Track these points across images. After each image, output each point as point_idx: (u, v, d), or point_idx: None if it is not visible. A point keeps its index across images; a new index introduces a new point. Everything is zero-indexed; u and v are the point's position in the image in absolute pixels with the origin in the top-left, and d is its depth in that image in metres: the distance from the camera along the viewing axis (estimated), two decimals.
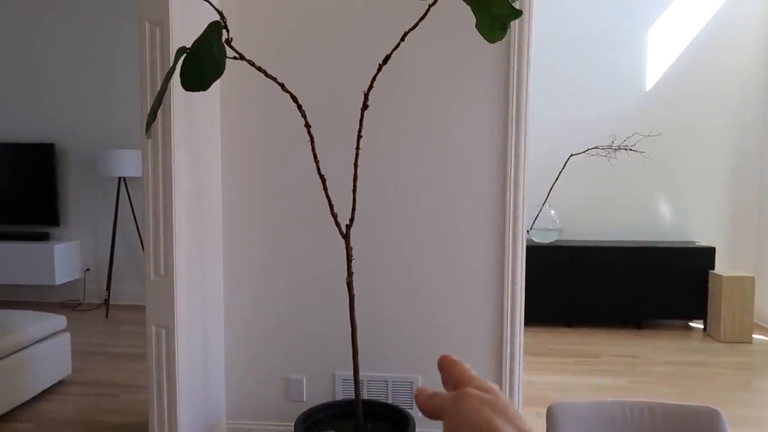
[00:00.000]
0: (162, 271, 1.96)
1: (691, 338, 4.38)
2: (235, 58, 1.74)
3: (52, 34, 5.11)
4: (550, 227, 4.66)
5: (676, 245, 4.60)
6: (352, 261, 1.96)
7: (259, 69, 1.77)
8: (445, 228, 2.31)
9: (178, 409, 2.01)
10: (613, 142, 4.73)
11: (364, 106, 1.86)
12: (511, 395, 2.33)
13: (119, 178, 4.86)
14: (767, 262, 4.68)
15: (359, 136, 1.89)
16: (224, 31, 1.66)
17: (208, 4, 1.69)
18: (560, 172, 4.71)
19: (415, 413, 2.34)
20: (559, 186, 4.75)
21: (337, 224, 1.91)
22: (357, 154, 1.88)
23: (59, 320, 3.24)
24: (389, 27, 2.20)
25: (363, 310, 2.32)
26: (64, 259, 4.95)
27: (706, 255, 4.48)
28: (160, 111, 1.93)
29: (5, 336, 2.83)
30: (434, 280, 2.33)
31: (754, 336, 4.28)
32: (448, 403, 0.43)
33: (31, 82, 5.16)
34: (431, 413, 0.45)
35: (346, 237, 1.92)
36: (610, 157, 4.74)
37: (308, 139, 1.87)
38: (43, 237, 5.04)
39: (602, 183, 4.88)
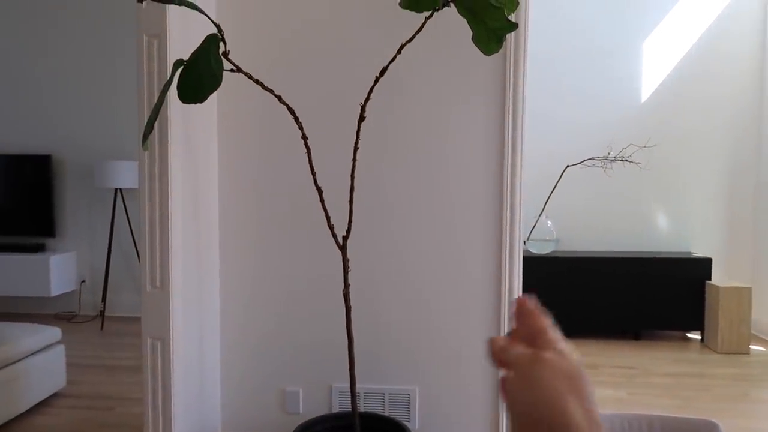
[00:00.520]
0: (158, 284, 1.95)
1: (688, 349, 4.37)
2: (232, 70, 1.74)
3: (50, 45, 5.12)
4: (547, 238, 4.66)
5: (672, 256, 4.60)
6: (349, 272, 1.95)
7: (256, 81, 1.78)
8: (442, 239, 2.31)
9: (173, 422, 2.00)
10: (609, 153, 4.74)
11: (361, 118, 1.86)
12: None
13: (116, 190, 4.85)
14: (764, 273, 4.68)
15: (356, 148, 1.89)
16: (221, 43, 1.67)
17: (205, 17, 1.70)
18: (557, 183, 4.72)
19: (412, 426, 2.32)
20: (556, 196, 4.76)
21: (334, 236, 1.90)
22: (354, 166, 1.89)
23: (54, 332, 3.22)
24: (386, 39, 2.21)
25: (360, 321, 2.31)
26: (60, 270, 4.93)
27: (703, 266, 4.49)
28: (156, 123, 1.93)
29: None
30: (431, 291, 2.33)
31: (751, 347, 4.28)
32: (522, 361, 0.40)
33: (28, 93, 5.17)
34: (501, 364, 0.42)
35: (342, 249, 1.92)
36: (606, 167, 4.75)
37: (305, 150, 1.87)
38: (39, 248, 5.03)
39: (599, 194, 4.89)
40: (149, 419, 2.00)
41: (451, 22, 1.91)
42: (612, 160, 4.69)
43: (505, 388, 0.42)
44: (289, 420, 2.37)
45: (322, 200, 1.88)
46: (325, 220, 1.89)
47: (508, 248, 2.28)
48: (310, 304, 2.36)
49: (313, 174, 1.87)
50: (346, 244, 1.92)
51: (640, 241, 4.89)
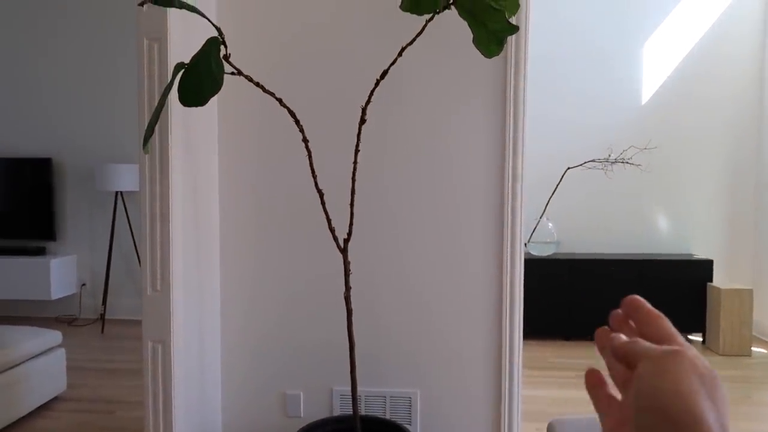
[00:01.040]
0: (158, 287, 1.94)
1: None
2: (233, 73, 1.74)
3: (50, 48, 5.12)
4: (548, 240, 4.66)
5: (673, 258, 4.60)
6: (350, 275, 1.95)
7: (257, 84, 1.78)
8: (443, 241, 2.31)
9: (173, 425, 1.99)
10: (609, 155, 4.74)
11: (362, 121, 1.86)
12: (510, 410, 2.31)
13: (116, 193, 4.85)
14: (765, 275, 4.68)
15: (357, 150, 1.89)
16: (222, 46, 1.67)
17: (206, 20, 1.70)
18: (557, 185, 4.72)
19: (414, 429, 2.31)
20: (557, 199, 4.76)
21: (335, 239, 1.90)
22: (355, 168, 1.88)
23: (54, 336, 3.22)
24: (386, 42, 2.21)
25: (361, 323, 2.31)
26: (60, 273, 4.93)
27: (704, 267, 4.48)
28: (157, 126, 1.93)
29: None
30: (432, 294, 2.32)
31: (753, 349, 4.27)
32: (657, 353, 0.38)
33: (29, 96, 5.17)
34: (623, 356, 0.39)
35: (343, 251, 1.91)
36: (606, 169, 4.75)
37: (306, 153, 1.87)
38: (40, 252, 5.02)
39: (599, 196, 4.89)
40: (150, 423, 2.00)
41: (451, 24, 1.92)
42: (612, 162, 4.69)
43: (624, 384, 0.40)
44: (290, 423, 2.37)
45: (323, 203, 1.88)
46: (326, 223, 1.89)
47: (509, 250, 2.27)
48: (310, 306, 2.36)
49: (314, 177, 1.87)
50: (347, 247, 1.91)
51: (641, 243, 4.89)
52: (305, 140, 1.84)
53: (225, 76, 1.65)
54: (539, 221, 4.67)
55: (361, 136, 1.89)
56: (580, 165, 4.68)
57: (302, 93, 2.29)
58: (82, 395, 3.35)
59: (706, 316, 4.43)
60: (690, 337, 4.69)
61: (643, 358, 0.39)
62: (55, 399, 3.26)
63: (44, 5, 5.11)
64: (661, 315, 0.41)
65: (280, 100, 1.80)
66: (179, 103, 1.60)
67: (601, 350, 0.42)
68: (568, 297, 4.54)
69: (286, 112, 1.83)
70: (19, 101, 5.18)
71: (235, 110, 2.34)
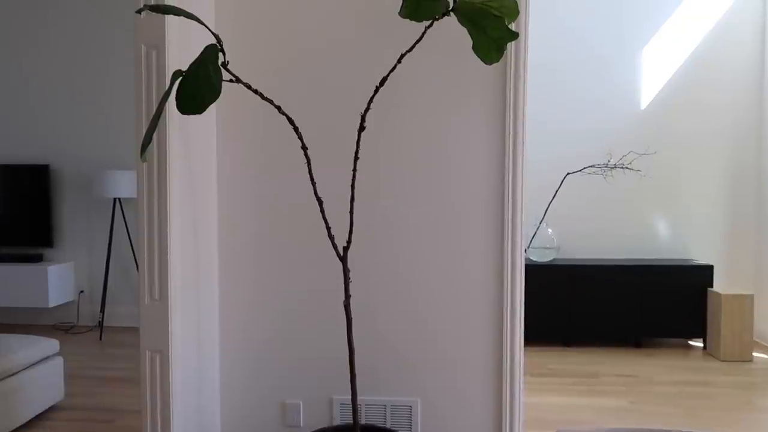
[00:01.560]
0: (156, 296, 1.93)
1: (691, 357, 4.35)
2: (231, 80, 1.73)
3: (47, 55, 5.12)
4: (548, 246, 4.65)
5: (673, 263, 4.59)
6: (350, 283, 1.94)
7: (256, 92, 1.77)
8: (443, 248, 2.29)
9: None
10: (609, 160, 4.74)
11: (361, 128, 1.85)
12: (511, 417, 2.29)
13: (114, 199, 4.84)
14: (766, 280, 4.66)
15: (356, 158, 1.88)
16: (220, 53, 1.66)
17: (204, 27, 1.69)
18: (557, 191, 4.71)
19: None
20: (556, 204, 4.75)
21: (335, 247, 1.89)
22: (354, 176, 1.87)
23: (52, 344, 3.19)
24: (386, 49, 2.20)
25: (361, 332, 2.29)
26: (58, 281, 4.90)
27: (704, 273, 4.47)
28: (155, 134, 1.91)
29: None
30: (433, 302, 2.31)
31: (754, 354, 4.25)
32: None
33: (26, 103, 5.16)
34: None
35: (343, 259, 1.90)
36: (606, 175, 4.75)
37: (305, 160, 1.85)
38: (37, 259, 5.00)
39: (599, 201, 4.88)
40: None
41: (451, 30, 1.91)
42: (612, 168, 4.69)
43: None
44: None
45: (322, 211, 1.87)
46: (326, 231, 1.88)
47: (509, 257, 2.26)
48: (310, 315, 2.34)
49: (313, 184, 1.86)
50: (346, 255, 1.90)
51: (641, 249, 4.88)
52: (304, 148, 1.83)
53: (224, 83, 1.64)
54: (539, 227, 4.66)
55: (361, 143, 1.88)
56: (580, 170, 4.68)
57: (301, 100, 2.28)
58: (80, 404, 3.33)
59: (707, 321, 4.42)
60: (691, 342, 4.68)
61: None
62: (53, 408, 3.23)
63: (41, 12, 5.11)
64: None
65: (278, 108, 1.79)
66: (177, 110, 1.59)
67: None
68: (568, 303, 4.52)
69: (285, 120, 1.82)
70: (17, 108, 5.17)
71: (234, 117, 2.32)
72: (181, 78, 1.62)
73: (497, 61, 1.83)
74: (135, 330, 4.92)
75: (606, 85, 4.86)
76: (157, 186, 1.93)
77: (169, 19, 1.94)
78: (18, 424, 2.89)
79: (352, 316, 1.95)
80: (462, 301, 2.30)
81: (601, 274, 4.53)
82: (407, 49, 1.83)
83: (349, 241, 1.89)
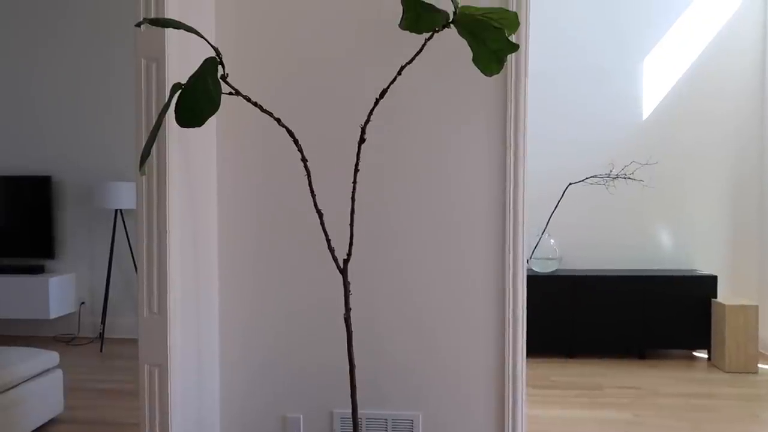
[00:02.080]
0: (155, 309, 1.92)
1: (695, 368, 4.31)
2: (230, 93, 1.73)
3: (49, 67, 5.14)
4: (550, 257, 4.63)
5: (677, 273, 4.56)
6: (350, 296, 1.92)
7: (255, 104, 1.76)
8: (445, 260, 2.28)
9: None
10: (611, 171, 4.72)
11: (361, 140, 1.85)
12: (514, 431, 2.26)
13: (116, 211, 4.83)
14: None
15: (356, 170, 1.87)
16: (220, 66, 1.66)
17: (204, 40, 1.69)
18: (559, 201, 4.69)
19: None
20: (558, 215, 4.73)
21: (335, 259, 1.87)
22: (354, 188, 1.87)
23: (51, 357, 3.17)
24: (386, 60, 2.20)
25: (361, 344, 2.27)
26: (59, 292, 4.89)
27: (708, 283, 4.44)
28: (155, 147, 1.91)
29: None
30: (434, 314, 2.29)
31: (759, 366, 4.21)
32: None
33: (28, 115, 5.18)
34: None
35: (343, 272, 1.89)
36: (608, 185, 4.73)
37: (305, 173, 1.85)
38: (38, 270, 4.99)
39: (601, 211, 4.86)
40: None
41: (451, 42, 1.91)
42: (614, 178, 4.67)
43: None
44: None
45: (322, 223, 1.86)
46: (326, 243, 1.86)
47: (511, 268, 2.25)
48: (310, 328, 2.33)
49: (313, 196, 1.85)
50: (347, 267, 1.89)
51: (644, 259, 4.85)
52: (304, 160, 1.82)
53: (223, 96, 1.64)
54: (541, 237, 4.64)
55: (361, 155, 1.87)
56: (582, 181, 4.66)
57: (301, 112, 2.28)
58: (80, 417, 3.31)
59: (712, 332, 4.38)
60: (695, 354, 4.64)
61: None
62: (53, 421, 3.21)
63: (42, 24, 5.14)
64: None
65: (278, 120, 1.79)
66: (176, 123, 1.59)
67: None
68: (571, 314, 4.49)
69: (285, 132, 1.81)
70: (19, 119, 5.19)
71: (234, 130, 2.32)
72: (180, 91, 1.62)
73: (497, 73, 1.82)
74: (136, 341, 4.88)
75: (607, 95, 4.86)
76: (156, 198, 1.92)
77: (169, 32, 1.95)
78: None
79: (353, 328, 1.93)
80: (463, 313, 2.28)
81: (603, 284, 4.50)
82: (407, 60, 1.83)
83: (349, 254, 1.88)
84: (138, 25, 1.85)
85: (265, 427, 2.35)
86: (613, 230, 4.87)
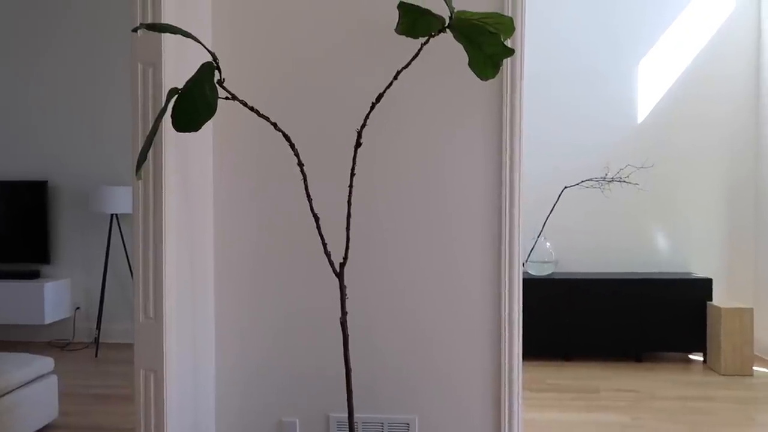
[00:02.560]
0: (151, 314, 1.91)
1: (691, 371, 4.32)
2: (227, 98, 1.73)
3: (45, 71, 5.13)
4: (546, 260, 4.64)
5: (672, 276, 4.58)
6: (346, 300, 1.92)
7: (252, 109, 1.77)
8: (441, 263, 2.28)
9: None
10: (606, 174, 4.74)
11: (357, 144, 1.85)
12: None
13: (111, 215, 4.82)
14: (766, 293, 4.65)
15: (352, 174, 1.87)
16: (216, 71, 1.66)
17: (200, 45, 1.69)
18: (554, 205, 4.70)
19: None
20: (554, 218, 4.74)
21: (331, 263, 1.88)
22: (350, 192, 1.87)
23: (46, 362, 3.16)
24: (382, 65, 2.20)
25: (357, 348, 2.27)
26: (54, 297, 4.87)
27: (704, 286, 4.46)
28: (151, 152, 1.91)
29: None
30: (430, 318, 2.29)
31: (755, 368, 4.23)
32: None
33: (25, 119, 5.16)
34: None
35: (339, 276, 1.89)
36: (604, 188, 4.74)
37: (301, 177, 1.85)
38: (34, 275, 4.97)
39: (597, 215, 4.87)
40: None
41: (447, 46, 1.91)
42: (609, 181, 4.69)
43: None
44: None
45: (318, 227, 1.86)
46: (322, 247, 1.87)
47: (507, 271, 2.25)
48: (307, 332, 2.32)
49: (310, 201, 1.85)
50: (343, 271, 1.89)
51: (640, 262, 4.86)
52: (300, 164, 1.83)
53: (220, 101, 1.64)
54: (537, 241, 4.65)
55: (357, 159, 1.87)
56: (578, 184, 4.67)
57: (297, 117, 2.28)
58: (75, 423, 3.29)
59: (707, 335, 4.40)
60: (691, 356, 4.65)
61: None
62: (47, 427, 3.19)
63: (39, 28, 5.13)
64: None
65: (274, 124, 1.79)
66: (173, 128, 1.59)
67: None
68: (567, 317, 4.50)
69: (282, 137, 1.81)
70: (15, 123, 5.17)
71: (230, 134, 2.32)
72: (176, 96, 1.62)
73: (493, 77, 1.83)
74: (131, 346, 4.86)
75: (602, 98, 4.88)
76: (152, 203, 1.92)
77: (166, 37, 1.95)
78: None
79: (349, 332, 1.93)
80: (460, 316, 2.28)
81: (599, 287, 4.51)
82: (403, 65, 1.83)
83: (345, 258, 1.89)
84: (135, 30, 1.85)
85: (262, 431, 2.34)
86: (608, 233, 4.88)
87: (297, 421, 2.33)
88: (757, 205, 4.78)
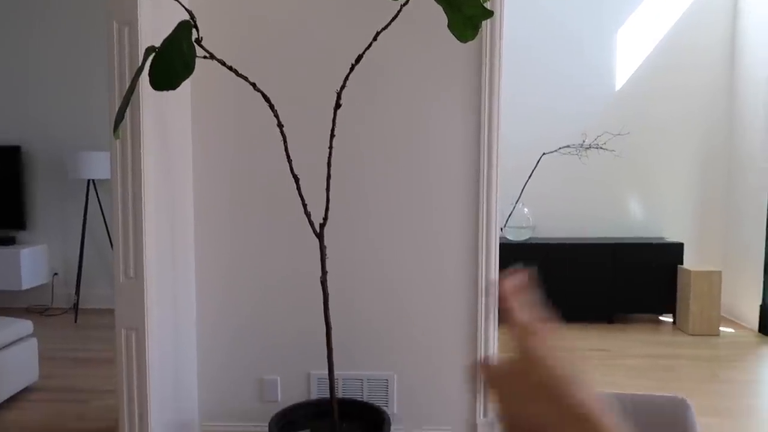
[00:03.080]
0: (132, 273, 1.92)
1: (660, 332, 4.47)
2: (205, 57, 1.72)
3: (18, 35, 4.98)
4: (524, 225, 4.71)
5: (645, 241, 4.69)
6: (326, 260, 1.95)
7: (230, 68, 1.76)
8: (419, 226, 2.32)
9: (149, 413, 1.98)
10: (584, 141, 4.80)
11: (337, 105, 1.86)
12: (485, 392, 2.34)
13: (88, 181, 4.76)
14: (734, 257, 4.80)
15: (332, 135, 1.88)
16: (194, 30, 1.64)
17: (177, 3, 1.67)
18: (533, 171, 4.76)
19: (390, 411, 2.34)
20: (532, 184, 4.81)
21: (311, 223, 1.90)
22: (330, 153, 1.88)
23: (25, 325, 3.16)
24: (362, 26, 2.19)
25: (337, 308, 2.31)
26: (31, 263, 4.83)
27: (675, 250, 4.58)
28: (128, 111, 1.89)
29: None
30: (408, 279, 2.34)
31: (721, 329, 4.39)
32: (502, 371, 0.41)
33: None
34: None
35: (320, 236, 1.91)
36: (581, 155, 4.81)
37: (281, 138, 1.85)
38: (9, 241, 4.91)
39: (574, 181, 4.95)
40: (125, 411, 1.99)
41: (427, 8, 1.91)
42: (587, 148, 4.75)
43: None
44: (268, 408, 2.37)
45: (298, 188, 1.87)
46: (302, 208, 1.88)
47: (484, 235, 2.30)
48: (287, 292, 2.36)
49: (290, 162, 1.86)
50: (323, 232, 1.91)
51: (614, 227, 4.97)
52: (280, 125, 1.83)
53: (198, 60, 1.63)
54: (515, 206, 4.71)
55: (337, 121, 1.88)
56: (556, 151, 4.73)
57: (277, 78, 2.27)
58: (55, 385, 3.31)
59: (677, 297, 4.54)
60: (661, 318, 4.80)
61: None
62: (27, 389, 3.21)
63: None
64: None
65: (253, 84, 1.79)
66: (151, 87, 1.58)
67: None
68: (544, 281, 4.57)
69: (261, 97, 1.81)
70: None
71: (208, 95, 2.30)
72: (153, 54, 1.61)
73: (472, 39, 1.83)
74: (110, 311, 4.86)
75: (581, 65, 4.90)
76: (131, 163, 1.91)
77: None
78: None
79: (329, 292, 1.97)
80: (437, 279, 2.33)
81: (575, 252, 4.61)
82: (383, 26, 1.83)
83: (325, 218, 1.91)
84: None
85: (242, 389, 2.39)
86: (585, 200, 4.97)
87: (278, 378, 2.38)
88: (729, 173, 4.89)
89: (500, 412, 0.41)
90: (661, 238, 4.86)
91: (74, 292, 4.87)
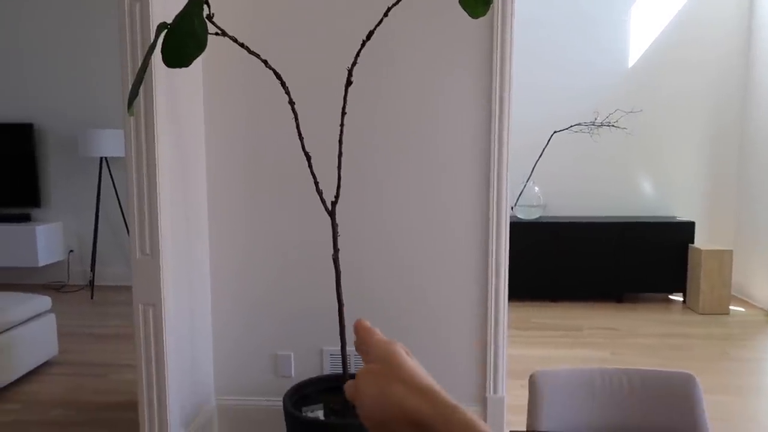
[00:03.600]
0: (148, 250, 1.96)
1: (670, 311, 4.47)
2: (217, 34, 1.72)
3: (31, 13, 4.99)
4: (534, 204, 4.71)
5: (656, 220, 4.68)
6: (338, 238, 1.97)
7: (242, 45, 1.76)
8: (430, 205, 2.33)
9: (167, 387, 2.03)
10: (595, 119, 4.76)
11: (348, 83, 1.86)
12: (495, 368, 2.38)
13: (101, 158, 4.81)
14: (745, 236, 4.77)
15: (343, 113, 1.89)
16: (206, 6, 1.64)
17: None
18: (544, 149, 4.74)
19: None
20: (543, 162, 4.79)
21: (323, 201, 1.91)
22: (341, 131, 1.89)
23: (44, 301, 3.23)
24: (373, 3, 2.18)
25: (349, 286, 2.34)
26: (47, 240, 4.91)
27: (686, 229, 4.57)
28: (141, 88, 1.91)
29: None
30: (419, 256, 2.36)
31: (731, 307, 4.39)
32: (351, 390, 0.48)
33: (10, 61, 5.06)
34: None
35: (331, 214, 1.93)
36: (592, 133, 4.77)
37: (293, 116, 1.86)
38: (24, 218, 4.99)
39: (585, 159, 4.92)
40: (143, 385, 2.04)
41: None
42: (598, 126, 4.72)
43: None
44: (282, 383, 2.42)
45: (310, 166, 1.88)
46: (314, 186, 1.90)
47: (495, 214, 2.30)
48: (300, 269, 2.39)
49: (301, 139, 1.87)
50: (335, 209, 1.93)
51: (625, 206, 4.96)
52: (291, 102, 1.84)
53: (210, 37, 1.63)
54: (525, 185, 4.71)
55: (348, 99, 1.88)
56: (567, 129, 4.70)
57: (288, 55, 2.27)
58: (74, 359, 3.39)
59: (687, 276, 4.54)
60: (671, 297, 4.81)
61: (354, 398, 0.49)
62: (47, 363, 3.29)
63: None
64: (367, 329, 0.51)
65: (265, 62, 1.79)
66: (163, 64, 1.59)
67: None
68: (554, 259, 4.61)
69: (272, 75, 1.82)
70: (0, 67, 5.07)
71: (221, 71, 2.31)
72: (165, 31, 1.61)
73: (484, 15, 1.82)
74: (126, 288, 4.97)
75: (594, 43, 4.84)
76: (145, 141, 1.93)
77: None
78: (13, 378, 2.95)
79: (341, 270, 1.99)
80: (448, 256, 2.35)
81: (586, 231, 4.60)
82: (393, 2, 1.82)
83: (337, 196, 1.92)
84: None
85: (257, 364, 2.43)
86: (596, 178, 4.95)
87: (292, 354, 2.42)
88: (740, 150, 4.84)
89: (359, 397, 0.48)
90: (673, 217, 4.84)
91: (90, 269, 4.95)
